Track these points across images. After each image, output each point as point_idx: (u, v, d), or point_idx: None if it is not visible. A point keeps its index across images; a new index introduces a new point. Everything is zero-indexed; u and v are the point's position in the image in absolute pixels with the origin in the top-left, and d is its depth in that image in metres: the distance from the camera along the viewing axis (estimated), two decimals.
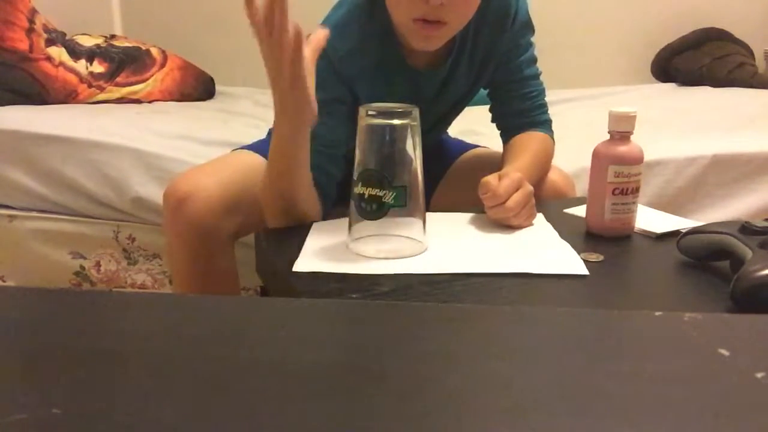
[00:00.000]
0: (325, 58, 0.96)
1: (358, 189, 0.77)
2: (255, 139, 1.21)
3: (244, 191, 1.01)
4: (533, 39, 1.10)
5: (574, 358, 0.35)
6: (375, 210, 0.76)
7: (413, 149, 0.77)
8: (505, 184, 0.86)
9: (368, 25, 0.97)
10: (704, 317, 0.40)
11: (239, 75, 2.39)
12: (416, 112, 0.77)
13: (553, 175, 1.10)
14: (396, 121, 0.76)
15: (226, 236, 1.01)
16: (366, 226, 0.78)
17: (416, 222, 0.79)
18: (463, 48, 1.03)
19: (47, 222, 1.48)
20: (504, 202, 0.86)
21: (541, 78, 1.12)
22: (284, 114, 0.81)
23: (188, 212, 0.96)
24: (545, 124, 1.11)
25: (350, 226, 0.80)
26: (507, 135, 1.11)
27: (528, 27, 1.08)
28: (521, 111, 1.10)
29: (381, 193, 0.75)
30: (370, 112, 0.76)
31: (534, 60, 1.11)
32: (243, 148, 1.15)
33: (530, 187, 0.89)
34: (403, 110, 0.76)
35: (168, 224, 1.00)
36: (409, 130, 0.76)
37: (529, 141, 1.07)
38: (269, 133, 1.25)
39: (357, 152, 0.77)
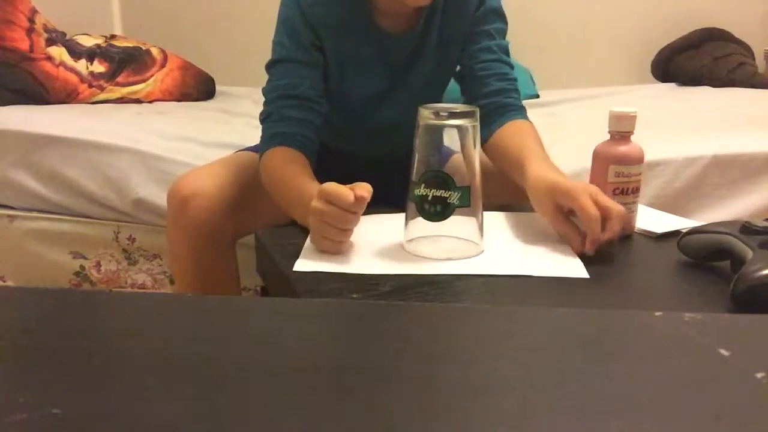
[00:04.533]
0: (296, 7, 0.97)
1: (420, 191, 0.76)
2: (255, 139, 1.21)
3: (247, 192, 1.01)
4: (506, 35, 1.08)
5: (574, 358, 0.35)
6: (440, 211, 0.76)
7: (473, 149, 0.77)
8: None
9: None
10: (704, 317, 0.40)
11: (239, 75, 2.39)
12: (477, 112, 0.77)
13: None
14: (458, 122, 0.76)
15: (229, 236, 1.01)
16: (422, 227, 0.78)
17: (474, 222, 0.79)
18: (432, 19, 1.03)
19: (47, 222, 1.48)
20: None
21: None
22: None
23: (192, 212, 0.96)
24: (524, 111, 1.05)
25: (405, 227, 0.80)
26: (486, 120, 1.00)
27: (497, 14, 1.06)
28: (498, 90, 1.03)
29: (446, 194, 0.75)
30: (431, 113, 0.76)
31: (507, 51, 1.07)
32: (246, 149, 1.15)
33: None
34: (464, 111, 0.76)
35: (171, 224, 1.00)
36: (470, 130, 0.76)
37: (525, 131, 1.01)
38: None
39: (416, 153, 0.77)
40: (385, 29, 1.02)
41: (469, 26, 1.04)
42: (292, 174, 0.92)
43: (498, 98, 1.03)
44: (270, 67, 1.01)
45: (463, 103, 1.10)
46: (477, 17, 1.04)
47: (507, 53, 1.07)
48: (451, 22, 1.04)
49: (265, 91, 1.02)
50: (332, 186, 0.76)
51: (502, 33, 1.07)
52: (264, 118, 1.00)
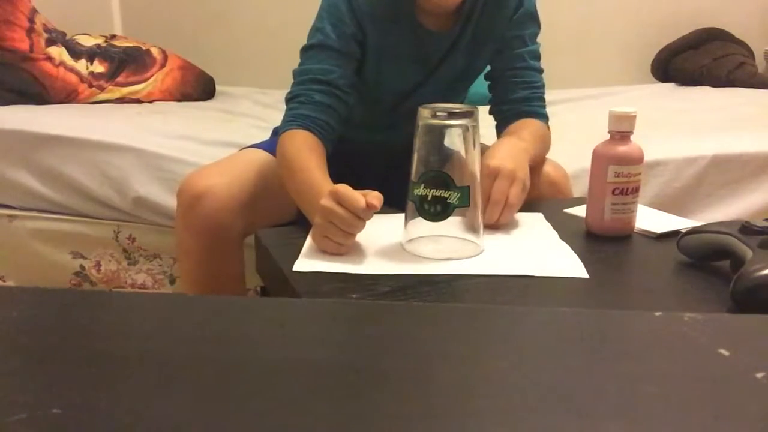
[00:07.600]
0: None
1: (420, 191, 0.76)
2: (255, 139, 1.21)
3: (256, 189, 1.01)
4: (539, 38, 1.10)
5: (574, 358, 0.35)
6: (439, 211, 0.76)
7: (473, 149, 0.77)
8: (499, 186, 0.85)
9: None
10: (704, 317, 0.39)
11: (239, 75, 2.39)
12: (477, 112, 0.77)
13: (546, 167, 1.10)
14: (458, 122, 0.76)
15: (238, 234, 1.01)
16: (422, 227, 0.78)
17: (473, 222, 0.79)
18: (470, 17, 1.05)
19: (47, 222, 1.48)
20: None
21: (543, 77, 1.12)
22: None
23: (203, 210, 0.96)
24: (544, 118, 1.10)
25: (405, 227, 0.80)
26: (504, 123, 1.10)
27: (533, 19, 1.08)
28: (522, 99, 1.08)
29: (446, 194, 0.75)
30: (431, 113, 0.76)
31: (538, 56, 1.11)
32: (252, 146, 1.15)
33: (521, 177, 0.88)
34: (463, 111, 0.76)
35: (181, 222, 1.00)
36: (470, 130, 0.76)
37: (529, 123, 1.06)
38: (274, 133, 1.26)
39: (416, 152, 0.77)
40: (426, 26, 1.04)
41: (506, 29, 1.06)
42: (309, 164, 0.91)
43: (521, 105, 1.08)
44: (306, 50, 1.02)
45: (489, 102, 1.13)
46: (514, 21, 1.06)
47: (538, 58, 1.11)
48: (487, 22, 1.06)
49: (296, 73, 1.03)
50: (344, 188, 0.76)
51: (535, 37, 1.10)
52: (291, 98, 1.01)
